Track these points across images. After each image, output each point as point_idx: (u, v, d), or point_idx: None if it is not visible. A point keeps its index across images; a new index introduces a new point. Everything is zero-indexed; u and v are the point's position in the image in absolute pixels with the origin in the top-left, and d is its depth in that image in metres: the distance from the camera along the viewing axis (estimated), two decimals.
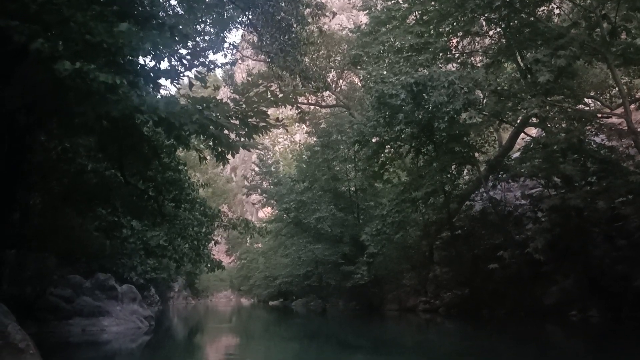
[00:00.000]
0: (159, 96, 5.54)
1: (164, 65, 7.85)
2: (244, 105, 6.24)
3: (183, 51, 8.02)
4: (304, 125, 39.55)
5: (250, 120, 6.39)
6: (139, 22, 6.11)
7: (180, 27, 6.44)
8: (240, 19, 17.35)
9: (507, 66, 18.38)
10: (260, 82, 26.98)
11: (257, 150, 36.32)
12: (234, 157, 7.19)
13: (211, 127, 6.04)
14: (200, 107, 5.92)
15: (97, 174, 12.43)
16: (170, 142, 9.64)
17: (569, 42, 12.58)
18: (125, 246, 18.22)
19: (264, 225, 29.89)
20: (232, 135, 6.71)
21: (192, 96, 6.15)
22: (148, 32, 5.47)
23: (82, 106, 5.32)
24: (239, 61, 26.36)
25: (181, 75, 7.57)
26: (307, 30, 16.70)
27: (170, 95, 6.91)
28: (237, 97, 6.24)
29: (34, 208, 13.75)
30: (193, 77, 7.00)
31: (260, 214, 58.52)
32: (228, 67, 26.40)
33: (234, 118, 6.34)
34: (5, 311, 6.26)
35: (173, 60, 11.01)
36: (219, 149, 6.62)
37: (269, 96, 6.21)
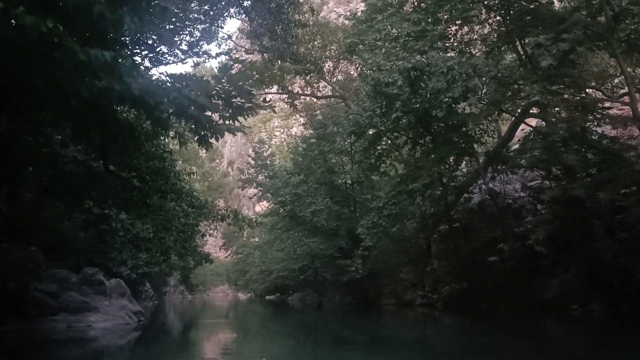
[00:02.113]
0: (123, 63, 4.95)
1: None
2: (226, 85, 5.74)
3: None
4: (300, 118, 39.06)
5: (234, 100, 5.91)
6: None
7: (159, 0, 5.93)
8: (233, 7, 16.89)
9: (506, 56, 17.94)
10: (246, 58, 26.48)
11: (254, 143, 35.96)
12: (217, 141, 6.75)
13: (192, 107, 5.56)
14: (179, 86, 5.43)
15: (82, 164, 11.98)
16: (154, 129, 9.19)
17: (572, 27, 12.14)
18: (115, 239, 17.71)
19: (255, 217, 29.42)
20: (216, 117, 6.25)
21: (168, 73, 5.70)
22: None
23: (23, 68, 4.72)
24: (234, 51, 25.89)
25: (169, 61, 7.12)
26: (299, 12, 16.22)
27: (145, 71, 6.42)
28: (219, 75, 5.71)
29: (18, 199, 13.28)
30: (193, 65, 6.52)
31: (258, 208, 58.10)
32: (223, 57, 25.86)
33: (216, 98, 5.85)
34: None
35: (166, 48, 10.55)
36: (202, 132, 6.14)
37: (255, 73, 5.72)
